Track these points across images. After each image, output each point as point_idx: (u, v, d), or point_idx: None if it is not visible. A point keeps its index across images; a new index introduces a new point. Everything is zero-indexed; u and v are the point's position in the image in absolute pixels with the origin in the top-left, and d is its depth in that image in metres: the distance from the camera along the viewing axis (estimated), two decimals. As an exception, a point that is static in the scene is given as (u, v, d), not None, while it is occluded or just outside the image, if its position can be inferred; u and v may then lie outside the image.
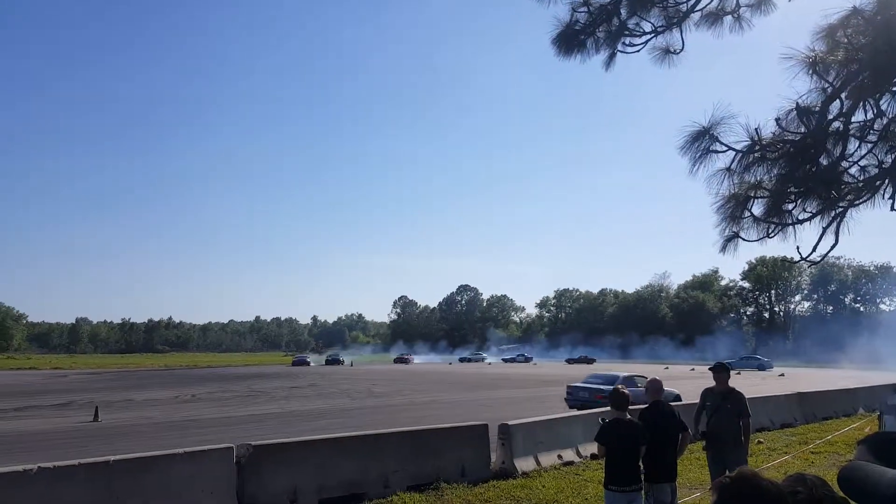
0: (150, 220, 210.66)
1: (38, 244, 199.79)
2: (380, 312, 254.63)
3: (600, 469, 5.99)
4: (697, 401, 7.42)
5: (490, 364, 78.48)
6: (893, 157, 4.95)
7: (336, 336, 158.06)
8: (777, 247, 5.41)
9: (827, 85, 4.82)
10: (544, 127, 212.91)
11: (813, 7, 4.72)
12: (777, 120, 4.99)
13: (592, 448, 9.92)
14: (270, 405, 23.84)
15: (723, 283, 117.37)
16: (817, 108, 4.89)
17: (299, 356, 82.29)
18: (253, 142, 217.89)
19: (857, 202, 5.03)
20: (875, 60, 4.56)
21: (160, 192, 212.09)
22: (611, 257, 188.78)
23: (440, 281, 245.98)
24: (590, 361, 74.93)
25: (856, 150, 5.06)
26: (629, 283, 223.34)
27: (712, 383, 7.10)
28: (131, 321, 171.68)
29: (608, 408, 6.30)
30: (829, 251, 5.20)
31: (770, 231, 5.29)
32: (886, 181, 4.90)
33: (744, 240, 5.38)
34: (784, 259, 5.89)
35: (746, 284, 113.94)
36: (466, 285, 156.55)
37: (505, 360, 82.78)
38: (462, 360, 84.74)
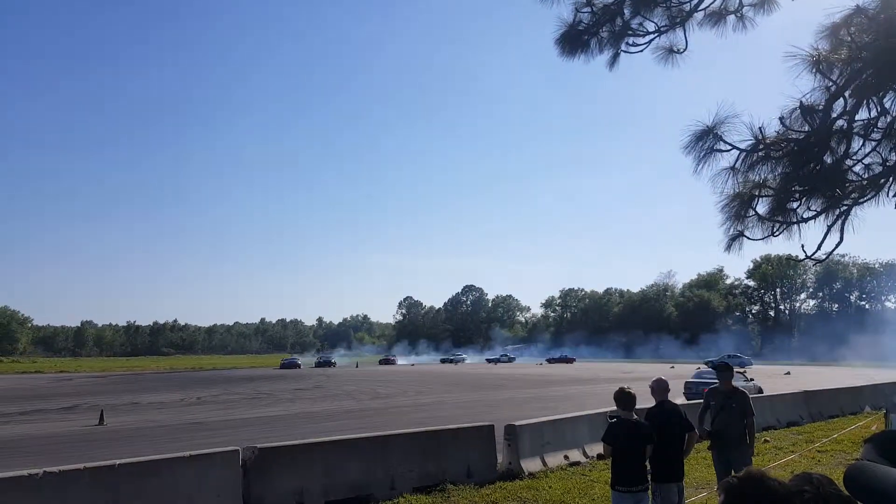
0: (155, 223, 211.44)
1: (43, 247, 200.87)
2: (385, 313, 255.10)
3: (607, 469, 5.99)
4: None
5: (467, 363, 79.99)
6: (898, 154, 4.94)
7: (341, 337, 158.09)
8: (782, 245, 5.40)
9: (830, 83, 4.81)
10: (549, 126, 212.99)
11: (816, 6, 4.72)
12: (781, 118, 4.98)
13: (599, 448, 9.93)
14: (276, 407, 23.88)
15: (728, 281, 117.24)
16: (821, 107, 4.88)
17: (288, 359, 74.73)
18: (258, 144, 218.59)
19: (862, 200, 5.02)
20: (878, 59, 4.55)
21: (164, 194, 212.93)
22: (616, 257, 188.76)
23: (445, 281, 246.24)
24: (569, 361, 77.05)
25: (860, 149, 5.05)
26: (634, 282, 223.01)
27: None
28: (136, 324, 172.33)
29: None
30: (833, 249, 5.19)
31: (775, 230, 5.28)
32: (891, 179, 4.89)
33: (749, 238, 5.37)
34: (789, 257, 5.82)
35: (751, 283, 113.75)
36: (472, 285, 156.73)
37: (488, 361, 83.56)
38: (443, 360, 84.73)
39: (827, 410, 17.32)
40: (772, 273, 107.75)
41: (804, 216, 5.17)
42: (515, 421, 10.50)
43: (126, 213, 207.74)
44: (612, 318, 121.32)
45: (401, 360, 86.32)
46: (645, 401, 6.42)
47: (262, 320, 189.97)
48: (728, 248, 5.43)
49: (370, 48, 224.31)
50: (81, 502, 6.52)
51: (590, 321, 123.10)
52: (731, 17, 5.45)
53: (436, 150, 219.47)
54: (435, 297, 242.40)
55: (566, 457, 10.64)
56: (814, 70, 4.75)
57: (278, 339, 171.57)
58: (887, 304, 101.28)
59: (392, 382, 39.18)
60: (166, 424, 18.74)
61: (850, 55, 4.73)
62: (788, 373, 47.64)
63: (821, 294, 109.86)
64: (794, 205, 5.24)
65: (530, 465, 9.94)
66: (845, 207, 5.07)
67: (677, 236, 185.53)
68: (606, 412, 10.95)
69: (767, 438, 13.06)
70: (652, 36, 5.55)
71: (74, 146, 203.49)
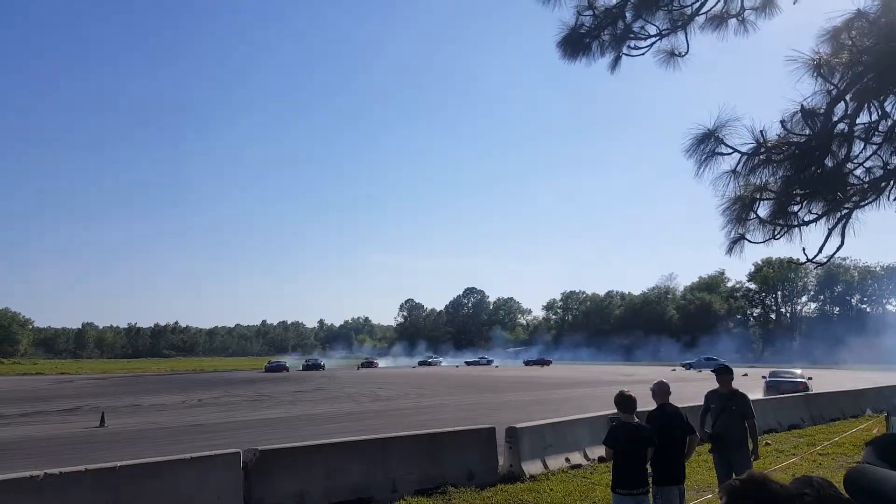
0: (156, 225, 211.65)
1: (44, 249, 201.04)
2: (386, 315, 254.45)
3: (608, 472, 5.99)
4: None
5: (443, 366, 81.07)
6: (899, 158, 4.95)
7: (343, 339, 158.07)
8: (783, 248, 5.41)
9: (832, 87, 4.82)
10: (550, 127, 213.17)
11: (817, 10, 4.73)
12: (782, 122, 4.99)
13: (600, 451, 9.91)
14: (277, 409, 23.89)
15: (729, 284, 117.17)
16: (822, 110, 4.89)
17: (274, 361, 70.82)
18: (258, 144, 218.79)
19: (863, 203, 5.02)
20: (880, 62, 4.56)
21: (165, 196, 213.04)
22: (617, 259, 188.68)
23: (447, 283, 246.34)
24: (546, 363, 79.93)
25: (861, 152, 5.06)
26: (636, 285, 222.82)
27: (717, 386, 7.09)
28: (137, 326, 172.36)
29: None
30: (835, 252, 5.19)
31: (776, 233, 5.29)
32: (892, 182, 4.89)
33: (750, 241, 5.38)
34: (790, 260, 5.85)
35: (753, 286, 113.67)
36: (473, 288, 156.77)
37: (468, 363, 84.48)
38: (421, 363, 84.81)
39: (828, 413, 17.30)
40: (773, 276, 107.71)
41: (805, 219, 5.18)
42: (516, 423, 10.50)
43: (127, 215, 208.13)
44: (614, 320, 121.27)
45: (381, 363, 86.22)
46: (646, 404, 6.42)
47: (264, 322, 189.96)
48: (729, 250, 5.44)
49: (370, 48, 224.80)
50: (82, 504, 6.52)
51: (591, 324, 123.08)
52: (733, 21, 5.46)
53: (436, 151, 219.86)
54: (436, 299, 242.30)
55: (567, 459, 10.63)
56: (815, 74, 4.76)
57: (279, 341, 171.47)
58: (888, 307, 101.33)
59: (393, 385, 39.16)
60: (167, 426, 18.75)
61: (851, 59, 4.74)
62: (746, 375, 47.48)
63: (822, 297, 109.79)
64: (796, 208, 5.24)
65: (531, 467, 9.93)
66: (846, 210, 5.07)
67: (678, 239, 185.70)
68: (607, 415, 10.94)
69: (768, 441, 13.05)
70: (653, 39, 5.56)
71: (76, 147, 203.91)
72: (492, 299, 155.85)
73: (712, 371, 7.13)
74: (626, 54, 5.65)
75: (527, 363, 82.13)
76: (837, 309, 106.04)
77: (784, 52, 4.69)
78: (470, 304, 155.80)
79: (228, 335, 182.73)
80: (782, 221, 5.26)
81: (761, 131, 5.00)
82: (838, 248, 5.15)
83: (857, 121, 4.94)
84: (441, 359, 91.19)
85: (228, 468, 7.53)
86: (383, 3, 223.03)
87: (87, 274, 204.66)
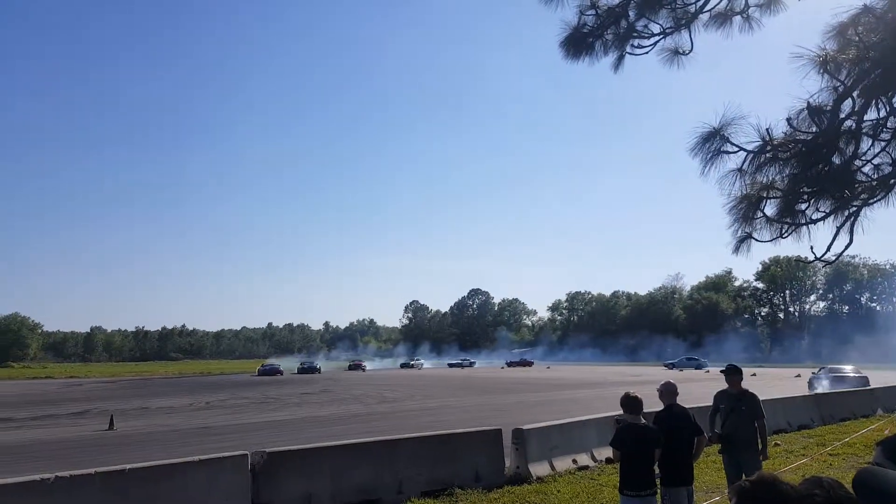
0: (162, 228, 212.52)
1: (51, 253, 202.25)
2: (392, 317, 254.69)
3: (615, 473, 5.96)
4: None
5: (426, 367, 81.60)
6: (907, 154, 4.91)
7: (348, 341, 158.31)
8: (791, 247, 5.36)
9: (838, 84, 4.79)
10: (554, 128, 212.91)
11: (823, 6, 4.70)
12: (788, 120, 4.96)
13: (607, 452, 9.87)
14: (283, 411, 23.94)
15: (736, 283, 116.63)
16: (829, 107, 4.86)
17: (268, 364, 68.17)
18: (263, 146, 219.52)
19: (872, 201, 4.99)
20: (887, 58, 4.53)
21: (170, 198, 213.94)
22: (623, 260, 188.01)
23: (452, 285, 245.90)
24: (528, 364, 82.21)
25: (869, 149, 5.02)
26: (642, 285, 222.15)
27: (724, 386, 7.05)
28: (145, 329, 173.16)
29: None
30: (843, 250, 5.15)
31: (783, 231, 5.26)
32: (901, 179, 4.85)
33: (757, 240, 5.35)
34: (798, 259, 5.75)
35: (760, 285, 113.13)
36: (478, 289, 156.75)
37: (450, 365, 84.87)
38: (403, 365, 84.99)
39: (838, 413, 17.17)
40: (781, 275, 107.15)
41: (813, 217, 5.14)
42: (523, 425, 10.47)
43: (133, 218, 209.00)
44: (620, 321, 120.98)
45: (383, 364, 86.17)
46: (652, 405, 6.39)
47: (270, 325, 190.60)
48: (736, 250, 5.41)
49: (375, 49, 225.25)
50: (91, 507, 6.55)
51: (597, 324, 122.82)
52: (738, 18, 5.44)
53: (441, 152, 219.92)
54: (441, 300, 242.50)
55: (574, 461, 10.59)
56: (821, 70, 4.73)
57: (285, 343, 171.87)
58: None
59: (400, 386, 39.20)
60: (176, 429, 18.82)
61: (858, 55, 4.71)
62: (799, 375, 47.29)
63: (830, 296, 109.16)
64: (803, 206, 5.21)
65: (538, 469, 9.91)
66: (854, 208, 5.03)
67: (685, 238, 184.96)
68: (614, 416, 10.91)
69: (778, 442, 12.97)
70: (657, 38, 5.54)
71: (80, 149, 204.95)
72: (497, 300, 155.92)
73: (721, 371, 7.08)
74: (630, 53, 5.63)
75: (509, 364, 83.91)
76: (847, 307, 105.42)
77: (789, 49, 4.67)
78: (475, 306, 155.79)
79: (235, 338, 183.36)
80: (790, 220, 5.23)
81: (767, 129, 4.97)
82: (847, 247, 5.12)
83: (865, 117, 4.90)
84: (423, 360, 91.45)
85: (236, 470, 7.55)
86: (385, 4, 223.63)
87: (94, 278, 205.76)
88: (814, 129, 4.96)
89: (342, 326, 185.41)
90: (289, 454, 8.14)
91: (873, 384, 23.98)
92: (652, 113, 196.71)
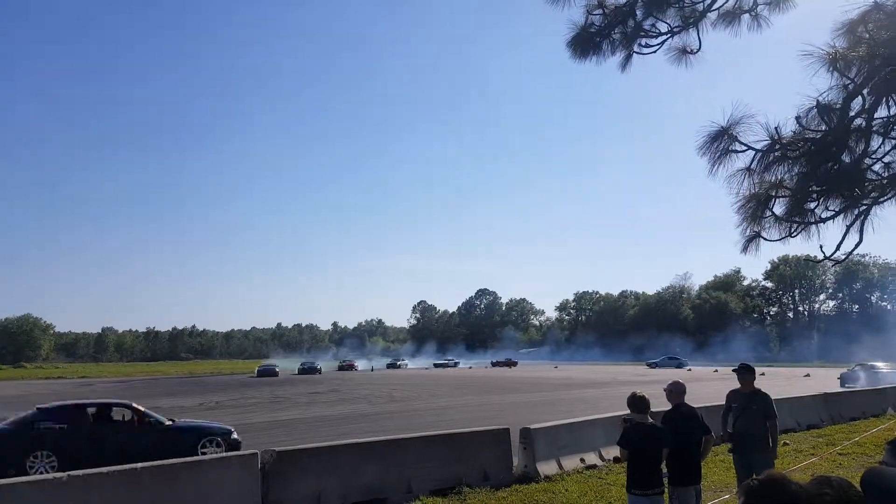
0: (172, 229, 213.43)
1: (63, 255, 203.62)
2: (399, 317, 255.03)
3: (623, 473, 5.95)
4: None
5: (410, 367, 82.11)
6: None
7: (356, 341, 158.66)
8: (800, 246, 5.34)
9: (848, 81, 4.76)
10: (562, 128, 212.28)
11: (832, 3, 4.67)
12: (797, 118, 4.93)
13: (615, 451, 9.84)
14: (292, 411, 24.04)
15: (745, 283, 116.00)
16: (838, 106, 4.83)
17: (265, 365, 66.35)
18: (272, 146, 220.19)
19: (882, 199, 4.95)
20: (897, 55, 4.50)
21: (180, 199, 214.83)
22: (631, 259, 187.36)
23: (459, 285, 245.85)
24: (512, 364, 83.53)
25: (879, 147, 4.99)
26: (650, 284, 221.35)
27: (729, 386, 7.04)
28: (156, 330, 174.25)
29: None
30: (853, 249, 5.12)
31: (792, 230, 5.23)
32: (911, 177, 4.82)
33: (765, 239, 5.32)
34: (807, 258, 5.69)
35: (769, 284, 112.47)
36: (485, 289, 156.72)
37: (436, 365, 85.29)
38: (389, 366, 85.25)
39: (848, 413, 17.05)
40: (790, 274, 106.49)
41: (822, 216, 5.11)
42: (531, 424, 10.48)
43: (143, 220, 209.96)
44: (628, 320, 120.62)
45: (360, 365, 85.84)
46: (659, 404, 6.38)
47: (279, 325, 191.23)
48: (745, 249, 5.39)
49: (385, 48, 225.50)
50: (103, 505, 6.62)
51: (604, 324, 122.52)
52: (746, 17, 5.41)
53: (448, 154, 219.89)
54: (449, 301, 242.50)
55: (582, 460, 10.59)
56: (831, 68, 4.69)
57: (294, 343, 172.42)
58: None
59: (407, 386, 39.27)
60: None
61: (868, 52, 4.68)
62: (808, 375, 47.01)
63: (840, 295, 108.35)
64: (812, 205, 5.18)
65: (546, 468, 9.91)
66: (864, 207, 5.00)
67: (693, 238, 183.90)
68: (622, 415, 10.90)
69: (787, 441, 12.90)
70: (665, 37, 5.52)
71: (93, 150, 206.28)
72: (504, 301, 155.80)
73: (733, 370, 7.04)
74: (637, 52, 5.62)
75: (493, 364, 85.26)
76: (856, 307, 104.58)
77: (798, 47, 4.64)
78: (482, 306, 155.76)
79: (244, 338, 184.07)
80: (799, 219, 5.20)
81: (776, 128, 4.95)
82: (857, 245, 5.08)
83: (875, 115, 4.86)
84: (407, 361, 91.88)
85: (246, 469, 7.60)
86: (391, 7, 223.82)
87: (105, 279, 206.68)
88: (823, 128, 4.93)
89: (350, 327, 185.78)
90: (298, 453, 8.19)
91: (882, 384, 23.77)
92: (659, 112, 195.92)
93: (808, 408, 16.26)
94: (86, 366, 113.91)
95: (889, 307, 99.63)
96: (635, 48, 5.61)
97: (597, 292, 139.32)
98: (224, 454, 7.89)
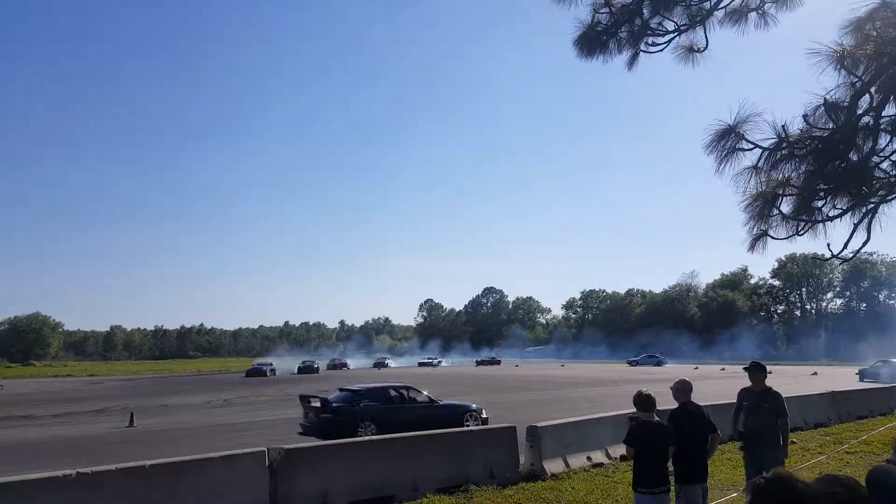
0: (179, 228, 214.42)
1: (72, 254, 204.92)
2: (406, 316, 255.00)
3: (630, 471, 5.96)
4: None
5: (392, 366, 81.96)
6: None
7: (363, 339, 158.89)
8: (807, 244, 5.32)
9: (856, 79, 4.74)
10: (568, 127, 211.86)
11: (839, 0, 4.65)
12: (804, 116, 4.92)
13: (622, 449, 9.84)
14: (300, 408, 24.07)
15: (752, 281, 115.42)
16: (846, 104, 4.81)
17: (257, 364, 62.64)
18: (280, 145, 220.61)
19: (890, 197, 4.93)
20: (905, 53, 4.48)
21: (188, 198, 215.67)
22: (638, 258, 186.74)
23: (466, 283, 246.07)
24: (496, 363, 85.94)
25: (887, 145, 4.97)
26: (657, 283, 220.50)
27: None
28: (164, 328, 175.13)
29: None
30: (861, 248, 5.10)
31: (799, 228, 5.22)
32: (920, 176, 4.80)
33: (773, 238, 5.31)
34: (815, 256, 5.68)
35: (776, 282, 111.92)
36: (492, 287, 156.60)
37: (420, 364, 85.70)
38: (375, 365, 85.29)
39: (855, 411, 16.98)
40: (797, 272, 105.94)
41: (830, 214, 5.10)
42: (537, 422, 10.49)
43: (151, 218, 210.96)
44: (634, 319, 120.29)
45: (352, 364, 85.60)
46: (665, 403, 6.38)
47: (286, 323, 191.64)
48: (752, 247, 5.38)
49: (395, 47, 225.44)
50: (113, 502, 6.67)
51: (611, 322, 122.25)
52: (753, 15, 5.40)
53: (454, 153, 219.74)
54: (456, 299, 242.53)
55: (589, 458, 10.59)
56: (838, 66, 4.68)
57: (302, 341, 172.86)
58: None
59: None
60: (194, 426, 19.05)
61: (875, 50, 4.65)
62: (815, 373, 46.77)
63: (848, 293, 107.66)
64: (820, 203, 5.17)
65: (553, 466, 9.92)
66: (872, 205, 4.98)
67: (700, 236, 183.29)
68: (629, 413, 10.90)
69: (794, 440, 12.84)
70: (671, 35, 5.51)
71: (101, 150, 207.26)
72: (511, 299, 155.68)
73: (744, 369, 7.02)
74: (644, 51, 5.61)
75: (478, 363, 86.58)
76: (864, 305, 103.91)
77: (805, 45, 4.63)
78: (489, 304, 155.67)
79: (252, 336, 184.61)
80: (806, 217, 5.19)
81: (783, 126, 4.93)
82: (864, 244, 5.07)
83: (883, 113, 4.84)
84: (389, 359, 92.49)
85: (255, 466, 7.65)
86: (392, 8, 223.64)
87: (114, 278, 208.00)
88: (830, 126, 4.92)
89: (357, 325, 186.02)
90: (306, 451, 8.23)
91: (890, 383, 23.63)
92: (666, 110, 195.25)
93: (816, 406, 16.20)
94: (94, 364, 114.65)
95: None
96: (642, 47, 5.60)
97: (603, 291, 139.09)
98: (233, 451, 7.94)
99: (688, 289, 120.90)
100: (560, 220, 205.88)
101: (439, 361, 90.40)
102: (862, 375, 37.72)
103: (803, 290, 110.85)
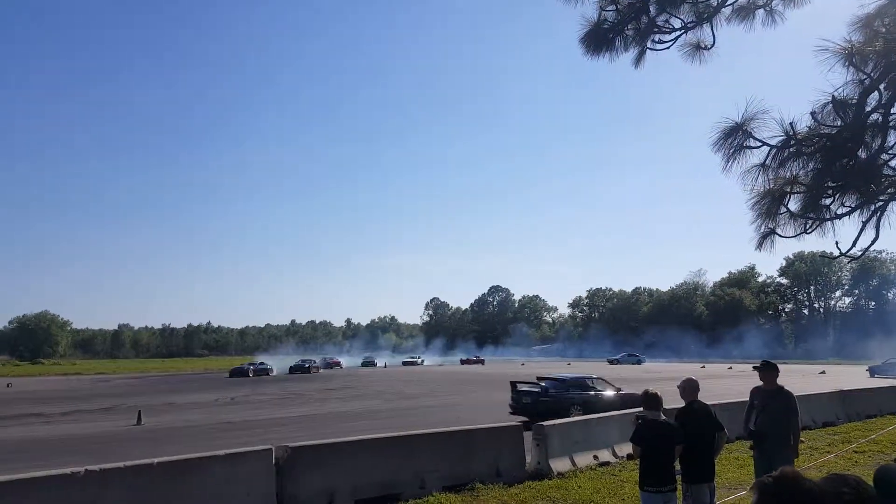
0: (187, 227, 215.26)
1: (80, 252, 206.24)
2: (413, 314, 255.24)
3: (636, 469, 5.95)
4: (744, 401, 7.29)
5: (379, 366, 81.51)
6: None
7: (370, 338, 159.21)
8: (815, 242, 5.30)
9: (864, 76, 4.71)
10: (574, 125, 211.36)
11: (847, -3, 4.63)
12: (813, 113, 4.89)
13: (628, 448, 9.83)
14: (306, 407, 24.20)
15: (760, 279, 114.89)
16: (854, 101, 4.78)
17: (254, 363, 60.24)
18: (286, 144, 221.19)
19: (899, 195, 4.90)
20: (914, 50, 4.44)
21: (195, 197, 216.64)
22: (645, 256, 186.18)
23: (472, 282, 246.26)
24: (480, 361, 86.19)
25: (896, 143, 4.94)
26: (664, 281, 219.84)
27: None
28: (171, 326, 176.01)
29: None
30: (869, 246, 5.07)
31: (807, 227, 5.19)
32: (929, 173, 4.77)
33: (780, 236, 5.28)
34: (823, 254, 5.65)
35: (784, 281, 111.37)
36: (498, 286, 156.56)
37: (404, 363, 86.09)
38: (364, 363, 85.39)
39: (864, 410, 16.88)
40: (805, 270, 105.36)
41: (838, 212, 5.07)
42: (544, 421, 10.48)
43: (158, 217, 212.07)
44: (641, 317, 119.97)
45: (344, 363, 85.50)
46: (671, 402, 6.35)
47: (293, 322, 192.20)
48: (759, 245, 5.35)
49: (400, 45, 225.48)
50: (121, 499, 6.72)
51: (618, 320, 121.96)
52: (760, 12, 5.37)
53: (461, 151, 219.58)
54: (461, 297, 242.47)
55: (595, 457, 10.58)
56: (846, 63, 4.65)
57: (308, 339, 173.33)
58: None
59: (420, 383, 39.37)
60: (201, 424, 19.14)
61: (885, 47, 4.62)
62: (823, 372, 46.50)
63: (856, 291, 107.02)
64: (828, 201, 5.13)
65: (559, 464, 9.92)
66: (881, 203, 4.95)
67: (707, 234, 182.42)
68: (635, 413, 10.88)
69: (803, 439, 12.78)
70: (678, 32, 5.49)
71: (106, 150, 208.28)
72: (517, 297, 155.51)
73: (754, 368, 6.99)
74: (651, 49, 5.59)
75: (462, 362, 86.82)
76: (873, 303, 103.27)
77: (813, 42, 4.60)
78: (495, 303, 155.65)
79: (259, 335, 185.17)
80: (814, 215, 5.16)
81: (791, 123, 4.90)
82: (873, 242, 5.03)
83: (892, 110, 4.81)
84: (375, 358, 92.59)
85: (261, 464, 7.68)
86: (395, 8, 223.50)
87: (122, 276, 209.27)
88: (839, 123, 4.88)
89: (364, 323, 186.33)
90: (312, 449, 8.25)
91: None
92: (673, 108, 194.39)
93: (825, 405, 16.12)
94: (102, 362, 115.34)
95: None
96: (648, 44, 5.58)
97: (610, 289, 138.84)
98: (239, 449, 7.97)
99: (695, 287, 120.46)
100: (567, 218, 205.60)
101: (423, 360, 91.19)
102: (872, 372, 39.28)
103: (811, 288, 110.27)
